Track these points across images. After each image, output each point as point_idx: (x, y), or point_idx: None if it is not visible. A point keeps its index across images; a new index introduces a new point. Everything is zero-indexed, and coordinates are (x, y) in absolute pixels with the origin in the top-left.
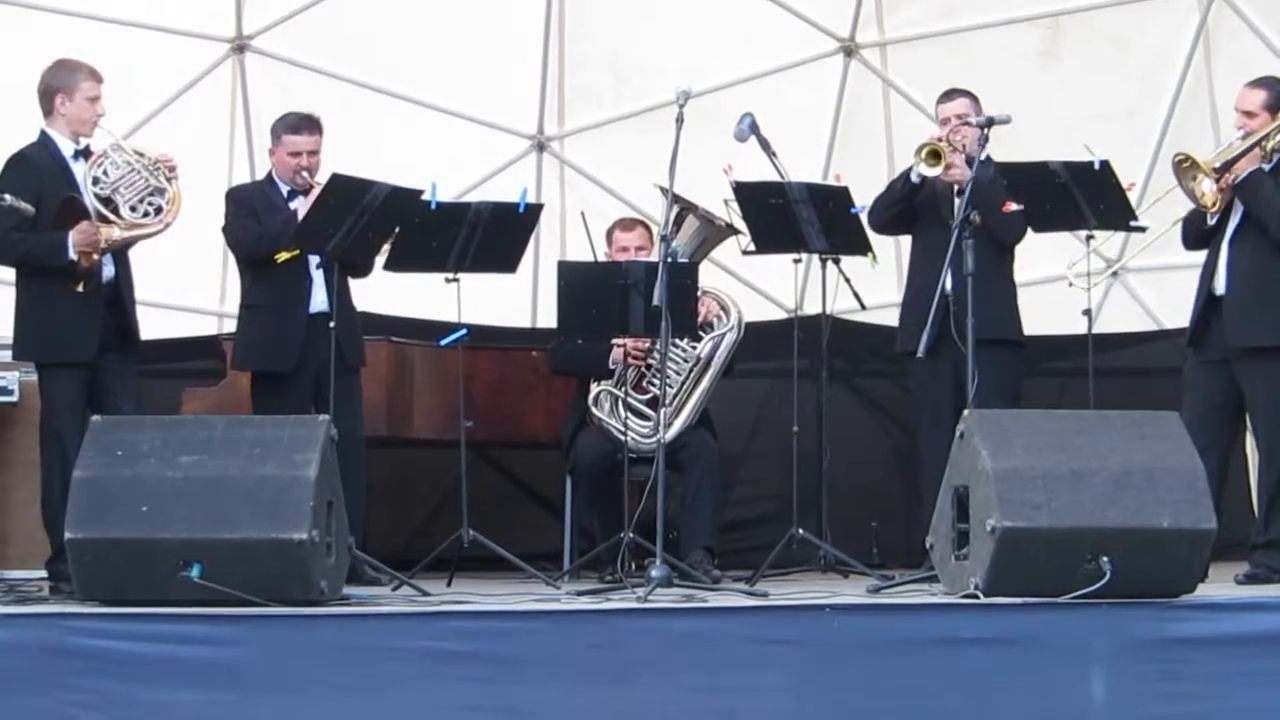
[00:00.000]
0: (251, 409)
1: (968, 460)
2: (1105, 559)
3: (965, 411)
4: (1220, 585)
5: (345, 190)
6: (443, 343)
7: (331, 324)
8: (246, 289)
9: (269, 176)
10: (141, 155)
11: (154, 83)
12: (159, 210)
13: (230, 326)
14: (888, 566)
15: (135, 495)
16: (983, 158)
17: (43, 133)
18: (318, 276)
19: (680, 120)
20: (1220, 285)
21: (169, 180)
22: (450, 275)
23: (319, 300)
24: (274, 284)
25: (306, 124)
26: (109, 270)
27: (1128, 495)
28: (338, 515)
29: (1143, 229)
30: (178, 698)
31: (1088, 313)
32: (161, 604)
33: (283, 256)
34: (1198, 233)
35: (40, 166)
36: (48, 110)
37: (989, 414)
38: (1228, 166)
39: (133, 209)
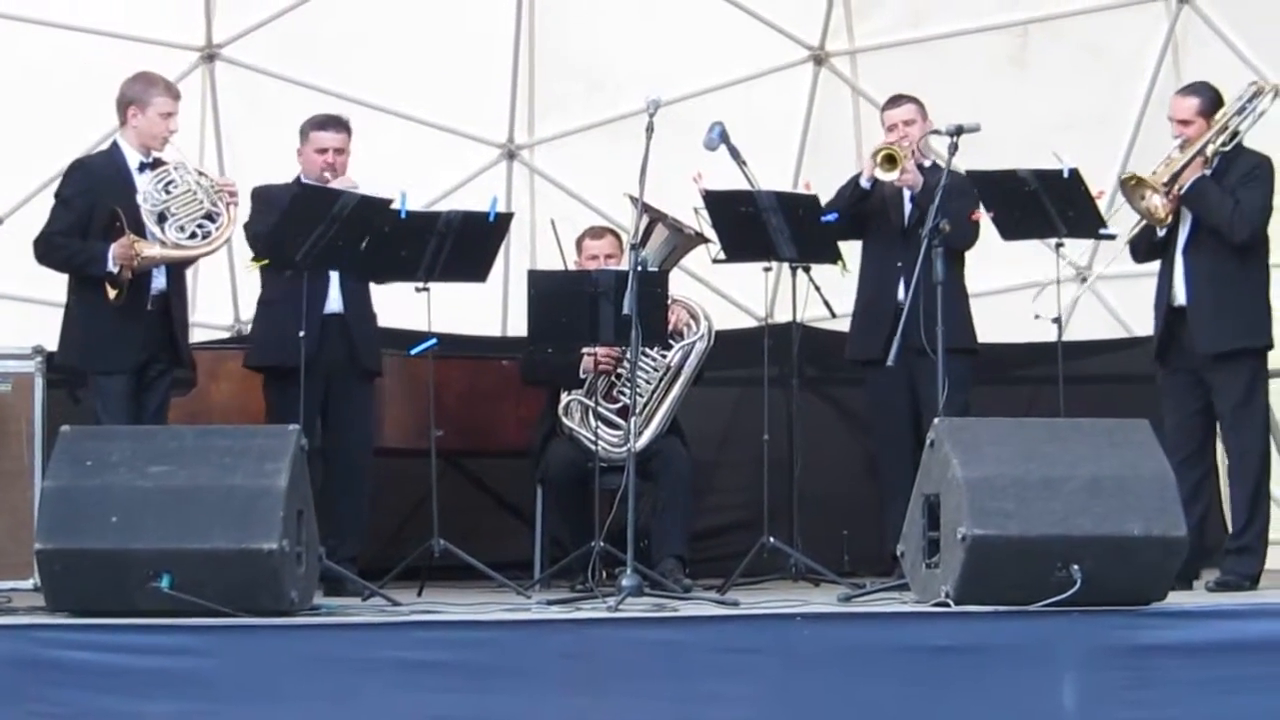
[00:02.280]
0: (265, 408)
1: (939, 468)
2: (1076, 567)
3: (936, 420)
4: (1190, 593)
5: (314, 200)
6: (413, 352)
7: (302, 333)
8: (264, 286)
9: (297, 178)
10: (205, 176)
11: None
12: (208, 235)
13: (201, 336)
14: (859, 574)
15: (105, 505)
16: (929, 164)
17: (114, 142)
18: (334, 276)
19: (650, 129)
20: (1180, 296)
21: (228, 206)
22: (420, 285)
23: (335, 301)
24: (289, 282)
25: (333, 122)
26: (160, 282)
27: (1098, 503)
28: (308, 525)
29: (1112, 237)
30: (148, 708)
31: (1057, 320)
32: (131, 614)
33: (254, 265)
34: (1149, 246)
35: (99, 174)
36: (122, 120)
37: (960, 422)
38: (1175, 179)
39: (181, 229)
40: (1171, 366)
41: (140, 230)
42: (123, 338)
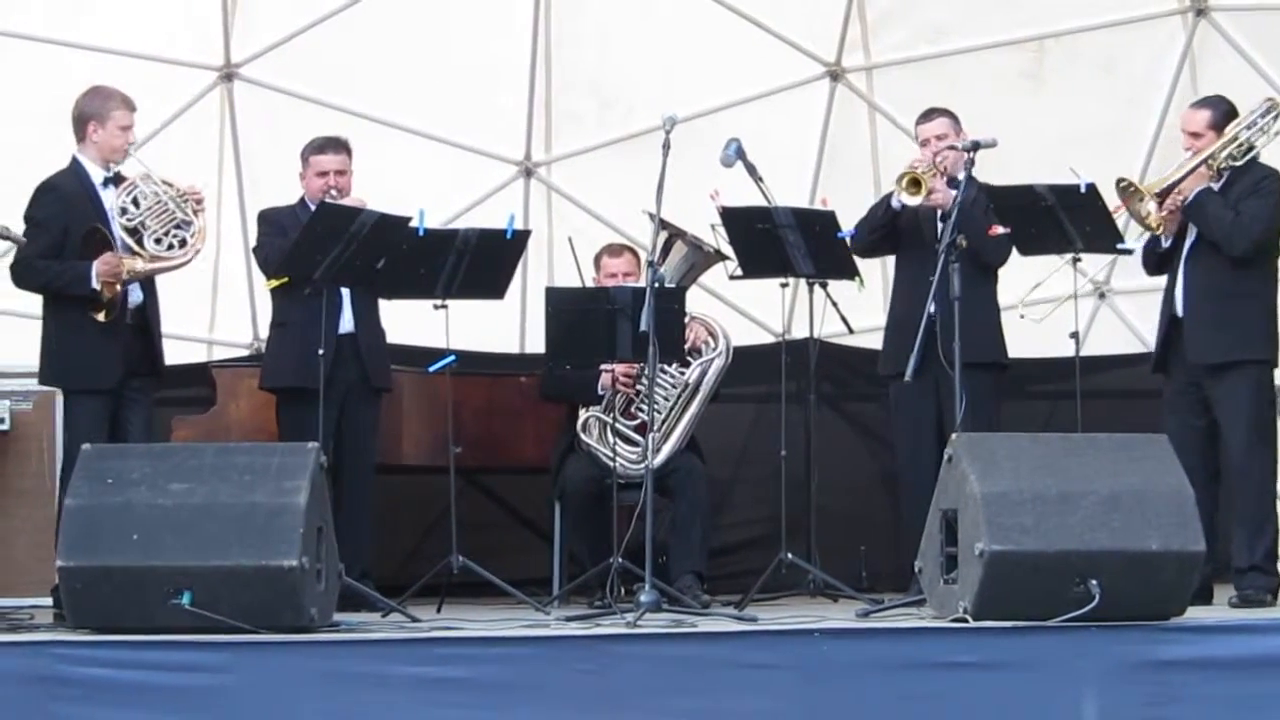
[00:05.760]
0: (277, 429)
1: (956, 484)
2: (1094, 582)
3: (953, 435)
4: (1209, 608)
5: (333, 218)
6: (431, 369)
7: (321, 351)
8: (277, 308)
9: (301, 200)
10: (170, 186)
11: (142, 111)
12: (184, 243)
13: (220, 354)
14: (876, 590)
15: (126, 523)
16: (961, 177)
17: (74, 159)
18: (346, 296)
19: (667, 146)
20: (1180, 307)
21: (196, 213)
22: (438, 302)
23: (347, 320)
24: (305, 303)
25: (332, 144)
26: (137, 295)
27: (1116, 518)
28: (327, 542)
29: (1129, 251)
30: None
31: (1075, 335)
32: (152, 631)
33: (272, 284)
34: (1158, 258)
35: (69, 194)
36: (80, 136)
37: (977, 437)
38: (1171, 189)
39: (158, 241)
40: (1174, 379)
41: (114, 246)
42: (103, 354)
